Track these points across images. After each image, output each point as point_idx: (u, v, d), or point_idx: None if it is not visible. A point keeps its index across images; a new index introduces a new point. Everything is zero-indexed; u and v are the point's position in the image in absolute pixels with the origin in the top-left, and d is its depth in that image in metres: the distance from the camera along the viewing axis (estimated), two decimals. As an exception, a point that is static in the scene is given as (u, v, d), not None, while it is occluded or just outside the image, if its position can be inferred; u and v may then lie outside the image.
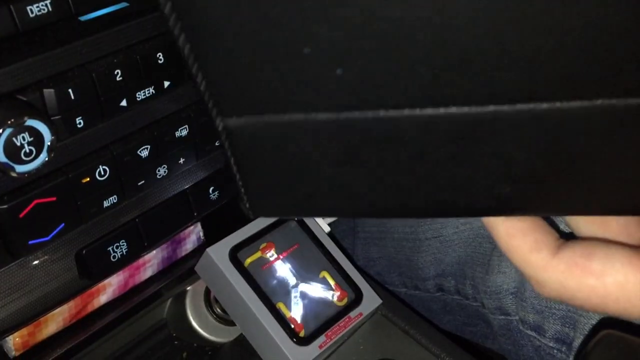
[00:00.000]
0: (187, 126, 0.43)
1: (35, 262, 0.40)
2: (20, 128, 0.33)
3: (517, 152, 0.23)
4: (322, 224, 0.56)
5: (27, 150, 0.34)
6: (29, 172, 0.35)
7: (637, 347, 0.30)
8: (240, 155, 0.25)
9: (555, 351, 0.50)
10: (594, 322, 0.46)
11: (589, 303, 0.26)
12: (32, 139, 0.34)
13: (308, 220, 0.55)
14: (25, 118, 0.33)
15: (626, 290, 0.25)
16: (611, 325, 0.43)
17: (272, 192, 0.26)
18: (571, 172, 0.23)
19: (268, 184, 0.26)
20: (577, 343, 0.48)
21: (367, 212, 0.27)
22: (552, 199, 0.24)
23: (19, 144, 0.33)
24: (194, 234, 0.53)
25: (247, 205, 0.26)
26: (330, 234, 0.56)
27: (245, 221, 0.53)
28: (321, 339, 0.49)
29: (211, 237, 0.53)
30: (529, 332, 0.52)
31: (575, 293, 0.26)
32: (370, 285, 0.54)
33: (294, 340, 0.48)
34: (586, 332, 0.47)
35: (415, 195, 0.25)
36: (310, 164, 0.25)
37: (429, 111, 0.22)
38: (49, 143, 0.35)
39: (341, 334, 0.50)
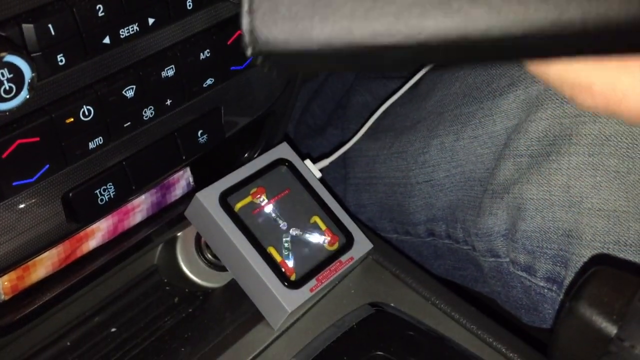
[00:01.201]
0: (173, 66, 0.42)
1: (22, 205, 0.40)
2: (-2, 64, 0.32)
3: None
4: (314, 170, 0.55)
5: (7, 87, 0.33)
6: (9, 110, 0.34)
7: (628, 283, 0.30)
8: None
9: (545, 290, 0.51)
10: (586, 259, 0.47)
11: (604, 95, 0.21)
12: (11, 75, 0.33)
13: (299, 166, 0.54)
14: (4, 54, 0.32)
15: None
16: (603, 262, 0.43)
17: None
18: None
19: None
20: (568, 282, 0.48)
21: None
22: None
23: (-2, 80, 0.32)
24: (183, 180, 0.53)
25: (254, 27, 0.18)
26: (321, 180, 0.55)
27: (235, 167, 0.52)
28: (312, 282, 0.49)
29: (201, 183, 0.52)
30: (519, 272, 0.52)
31: (628, 94, 0.21)
32: (362, 231, 0.54)
33: (285, 284, 0.48)
34: (578, 270, 0.47)
35: None
36: None
37: None
38: (29, 80, 0.34)
39: (332, 277, 0.51)
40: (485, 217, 0.53)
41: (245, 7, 0.18)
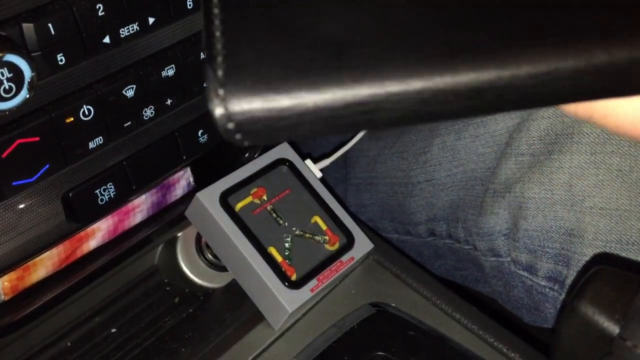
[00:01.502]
0: (173, 66, 0.42)
1: (22, 205, 0.40)
2: (-2, 63, 0.32)
3: None
4: (314, 170, 0.55)
5: (7, 87, 0.33)
6: (9, 110, 0.34)
7: (631, 282, 0.30)
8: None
9: (547, 290, 0.51)
10: (588, 259, 0.47)
11: (633, 122, 0.21)
12: (11, 75, 0.33)
13: (300, 166, 0.54)
14: (4, 53, 0.32)
15: None
16: (605, 261, 0.43)
17: (271, 38, 0.17)
18: None
19: (266, 27, 0.18)
20: (570, 281, 0.48)
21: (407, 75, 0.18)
22: None
23: (-2, 79, 0.32)
24: (183, 180, 0.53)
25: (221, 74, 0.17)
26: (322, 180, 0.55)
27: (235, 167, 0.52)
28: (313, 282, 0.49)
29: (201, 183, 0.52)
30: (520, 272, 0.52)
31: (616, 107, 0.21)
32: (362, 231, 0.54)
33: (286, 284, 0.48)
34: (580, 270, 0.47)
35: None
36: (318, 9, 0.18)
37: None
38: (29, 79, 0.34)
39: (333, 278, 0.50)
40: (487, 217, 0.53)
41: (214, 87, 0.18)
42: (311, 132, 0.19)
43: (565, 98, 0.19)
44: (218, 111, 0.17)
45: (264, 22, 0.18)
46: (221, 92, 0.17)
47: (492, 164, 0.54)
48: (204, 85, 0.24)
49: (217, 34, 0.17)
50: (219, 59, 0.17)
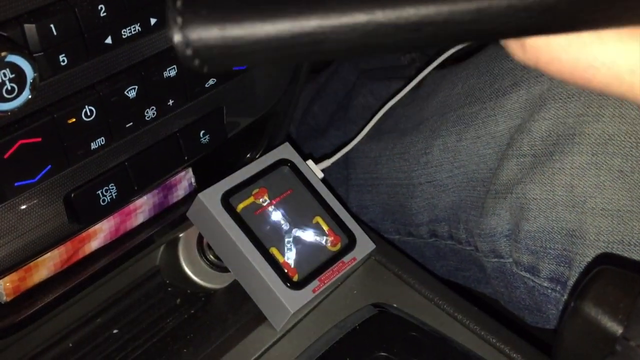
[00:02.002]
0: (175, 66, 0.42)
1: (24, 206, 0.40)
2: (0, 64, 0.32)
3: None
4: (316, 170, 0.55)
5: (9, 87, 0.33)
6: (11, 110, 0.34)
7: (633, 282, 0.30)
8: None
9: (549, 291, 0.51)
10: (589, 259, 0.47)
11: (573, 69, 0.22)
12: (13, 75, 0.33)
13: (301, 166, 0.54)
14: (5, 53, 0.32)
15: (629, 49, 0.21)
16: (607, 261, 0.43)
17: None
18: None
19: None
20: (572, 282, 0.48)
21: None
22: None
23: (0, 80, 0.32)
24: (185, 180, 0.53)
25: (180, 4, 0.19)
26: (323, 181, 0.55)
27: (237, 167, 0.52)
28: (314, 283, 0.49)
29: (203, 183, 0.52)
30: (522, 273, 0.52)
31: (561, 54, 0.22)
32: (364, 231, 0.54)
33: (288, 284, 0.48)
34: (582, 270, 0.47)
35: None
36: None
37: None
38: (31, 80, 0.34)
39: (334, 278, 0.50)
40: (488, 218, 0.53)
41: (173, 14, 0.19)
42: (264, 60, 0.20)
43: (499, 33, 0.20)
44: (177, 38, 0.19)
45: None
46: (180, 20, 0.18)
47: (494, 165, 0.54)
48: (166, 9, 0.23)
49: None
50: None
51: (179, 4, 0.18)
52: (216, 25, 0.18)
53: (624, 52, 0.21)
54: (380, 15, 0.18)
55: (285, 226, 0.51)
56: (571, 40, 0.22)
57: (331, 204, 0.53)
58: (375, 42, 0.19)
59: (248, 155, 0.57)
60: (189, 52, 0.19)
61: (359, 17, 0.18)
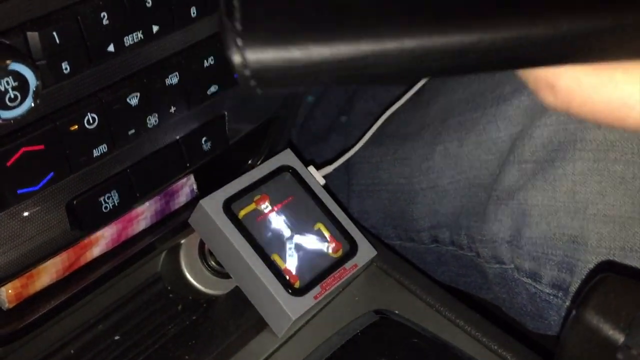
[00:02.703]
0: (177, 73, 0.42)
1: (26, 213, 0.40)
2: (3, 72, 0.32)
3: None
4: (317, 177, 0.55)
5: (12, 96, 0.33)
6: (14, 119, 0.34)
7: (636, 290, 0.30)
8: None
9: (551, 297, 0.51)
10: (591, 266, 0.47)
11: (608, 108, 0.22)
12: (16, 83, 0.33)
13: (303, 172, 0.54)
14: (8, 61, 0.32)
15: None
16: (608, 268, 0.43)
17: (276, 10, 0.20)
18: None
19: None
20: (574, 288, 0.48)
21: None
22: None
23: (2, 88, 0.32)
24: (187, 187, 0.53)
25: (240, 27, 0.19)
26: (325, 187, 0.55)
27: (239, 174, 0.52)
28: (316, 290, 0.49)
29: (205, 190, 0.52)
30: (524, 279, 0.52)
31: (593, 94, 0.22)
32: (365, 237, 0.54)
33: (289, 291, 0.48)
34: (583, 277, 0.47)
35: None
36: None
37: None
38: (34, 88, 0.34)
39: (336, 285, 0.50)
40: (490, 224, 0.53)
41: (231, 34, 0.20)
42: (318, 82, 0.21)
43: (536, 61, 0.21)
44: (236, 59, 0.19)
45: None
46: (240, 42, 0.19)
47: (495, 171, 0.54)
48: (222, 38, 0.23)
49: None
50: (237, 13, 0.19)
51: (238, 25, 0.19)
52: (274, 47, 0.19)
53: None
54: (431, 42, 0.20)
55: (287, 232, 0.51)
56: (603, 79, 0.22)
57: (333, 211, 0.53)
58: (421, 68, 0.20)
59: (249, 162, 0.57)
60: (247, 72, 0.19)
61: (409, 43, 0.19)
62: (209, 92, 0.45)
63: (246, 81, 0.20)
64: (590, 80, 0.22)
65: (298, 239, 0.51)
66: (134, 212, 0.49)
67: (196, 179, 0.53)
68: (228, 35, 0.19)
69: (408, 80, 0.29)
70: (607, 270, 0.34)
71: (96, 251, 0.48)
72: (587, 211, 0.47)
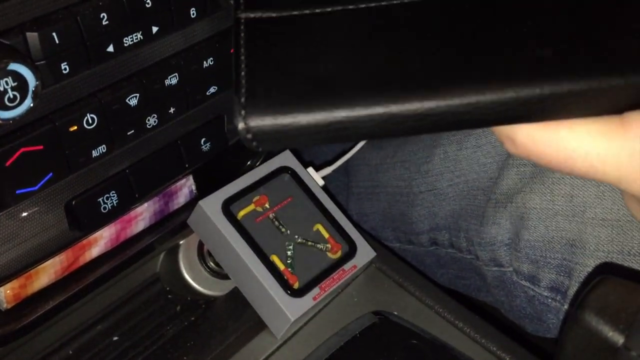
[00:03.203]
0: (176, 74, 0.42)
1: (25, 213, 0.40)
2: (2, 72, 0.32)
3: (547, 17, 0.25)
4: (316, 178, 0.55)
5: (11, 96, 0.33)
6: (13, 119, 0.34)
7: (635, 292, 0.30)
8: (252, 40, 0.26)
9: (549, 300, 0.50)
10: (590, 269, 0.47)
11: (557, 159, 0.26)
12: (15, 83, 0.33)
13: (302, 174, 0.54)
14: (8, 61, 0.32)
15: (597, 142, 0.25)
16: (607, 271, 0.43)
17: (278, 78, 0.25)
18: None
19: (275, 70, 0.25)
20: (572, 291, 0.48)
21: (395, 93, 0.25)
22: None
23: (2, 88, 0.32)
24: (186, 188, 0.53)
25: (244, 101, 0.25)
26: (324, 188, 0.55)
27: (238, 175, 0.52)
28: (315, 290, 0.49)
29: (204, 191, 0.52)
30: (523, 282, 0.52)
31: (545, 148, 0.26)
32: (364, 239, 0.54)
33: (288, 292, 0.48)
34: (582, 280, 0.47)
35: (454, 62, 0.25)
36: (323, 46, 0.26)
37: None
38: (33, 88, 0.34)
39: (335, 286, 0.50)
40: (489, 226, 0.53)
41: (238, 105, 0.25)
42: (305, 143, 0.27)
43: (491, 122, 0.25)
44: (241, 126, 0.25)
45: (273, 66, 0.26)
46: (243, 112, 0.25)
47: (494, 174, 0.54)
48: (232, 104, 0.29)
49: (243, 74, 0.25)
50: (242, 91, 0.25)
51: (243, 100, 0.25)
52: (270, 117, 0.24)
53: (593, 145, 0.25)
54: (395, 109, 0.24)
55: (286, 234, 0.51)
56: (551, 135, 0.25)
57: (332, 212, 0.53)
58: (390, 129, 0.25)
59: (248, 163, 0.57)
60: (249, 136, 0.25)
61: (377, 110, 0.24)
62: (208, 93, 0.45)
63: (248, 142, 0.25)
64: (542, 136, 0.25)
65: (297, 239, 0.51)
66: (132, 213, 0.49)
67: (195, 180, 0.53)
68: (235, 107, 0.25)
69: (379, 138, 0.36)
70: (605, 273, 0.34)
71: (95, 252, 0.48)
72: (585, 214, 0.47)
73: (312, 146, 0.69)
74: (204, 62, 0.44)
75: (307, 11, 0.27)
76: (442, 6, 0.26)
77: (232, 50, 0.45)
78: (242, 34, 0.27)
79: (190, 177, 0.53)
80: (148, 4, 0.38)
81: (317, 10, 0.27)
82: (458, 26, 0.26)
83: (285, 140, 0.25)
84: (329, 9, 0.27)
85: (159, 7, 0.39)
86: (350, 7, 0.27)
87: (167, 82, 0.42)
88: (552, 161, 0.26)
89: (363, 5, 0.27)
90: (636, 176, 0.25)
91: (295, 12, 0.27)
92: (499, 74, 0.24)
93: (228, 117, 0.49)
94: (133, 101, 0.40)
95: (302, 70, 0.25)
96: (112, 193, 0.43)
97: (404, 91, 0.24)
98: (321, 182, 0.56)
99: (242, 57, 0.26)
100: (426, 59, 0.25)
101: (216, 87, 0.45)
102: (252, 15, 0.27)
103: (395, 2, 0.27)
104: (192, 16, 0.41)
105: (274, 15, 0.27)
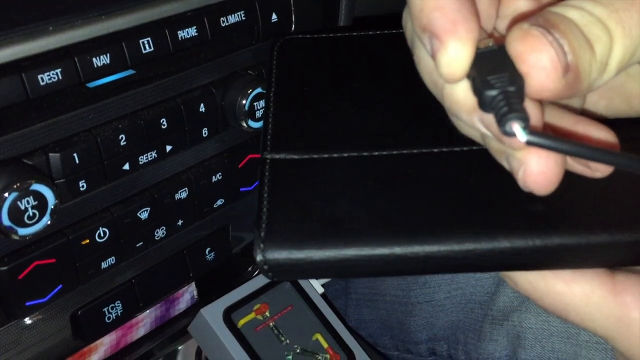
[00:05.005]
0: (186, 189, 0.44)
1: (29, 321, 0.40)
2: (25, 192, 0.34)
3: None
4: (316, 285, 0.56)
5: (31, 214, 0.34)
6: (30, 235, 0.35)
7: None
8: (274, 179, 0.29)
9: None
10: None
11: (554, 308, 0.27)
12: (36, 202, 0.34)
13: (302, 282, 0.55)
14: (31, 182, 0.34)
15: (590, 301, 0.26)
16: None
17: (295, 216, 0.27)
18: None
19: (293, 208, 0.28)
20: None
21: (398, 241, 0.26)
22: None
23: (23, 207, 0.34)
24: (187, 293, 0.53)
25: (263, 235, 0.27)
26: (323, 295, 0.56)
27: (239, 281, 0.53)
28: (313, 403, 0.49)
29: (205, 296, 0.53)
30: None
31: (543, 296, 0.27)
32: (363, 348, 0.54)
33: (286, 404, 0.48)
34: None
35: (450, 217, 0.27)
36: (337, 188, 0.28)
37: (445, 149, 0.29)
38: (52, 206, 0.35)
39: (333, 398, 0.50)
40: (486, 342, 0.53)
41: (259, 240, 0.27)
42: (318, 276, 0.31)
43: (490, 268, 0.27)
44: (259, 258, 0.27)
45: (291, 204, 0.28)
46: (262, 245, 0.27)
47: (491, 289, 0.55)
48: (254, 238, 0.28)
49: (265, 209, 0.28)
50: (263, 226, 0.27)
51: (262, 234, 0.27)
52: (285, 252, 0.26)
53: (586, 304, 0.26)
54: (398, 251, 0.26)
55: (286, 343, 0.51)
56: (549, 287, 0.27)
57: (331, 321, 0.54)
58: (397, 269, 0.26)
59: (249, 269, 0.58)
60: (265, 267, 0.27)
61: (382, 250, 0.26)
62: (215, 205, 0.47)
63: (265, 272, 0.27)
64: (540, 285, 0.27)
65: (296, 349, 0.51)
66: (134, 320, 0.49)
67: (197, 286, 0.54)
68: (255, 240, 0.27)
69: (383, 276, 0.39)
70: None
71: (95, 358, 0.48)
72: (579, 337, 0.48)
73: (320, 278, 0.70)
74: (213, 177, 0.45)
75: (325, 155, 0.30)
76: (448, 160, 0.29)
77: (240, 165, 0.47)
78: (267, 173, 0.29)
79: (192, 283, 0.53)
80: (164, 125, 0.41)
81: (335, 155, 0.30)
82: (460, 178, 0.28)
83: (299, 273, 0.27)
84: (345, 154, 0.30)
85: (173, 127, 0.41)
86: (365, 154, 0.30)
87: (177, 196, 0.43)
88: (548, 308, 0.27)
89: (376, 153, 0.29)
90: (621, 339, 0.26)
91: (314, 156, 0.30)
92: (495, 225, 0.26)
93: (232, 226, 0.50)
94: (144, 215, 0.42)
95: (316, 210, 0.27)
96: (117, 303, 0.43)
97: (406, 235, 0.26)
98: (321, 290, 0.56)
99: (265, 195, 0.28)
100: (429, 208, 0.27)
101: (223, 200, 0.47)
102: (276, 156, 0.30)
103: (405, 151, 0.29)
104: (204, 135, 0.44)
105: (295, 157, 0.30)
